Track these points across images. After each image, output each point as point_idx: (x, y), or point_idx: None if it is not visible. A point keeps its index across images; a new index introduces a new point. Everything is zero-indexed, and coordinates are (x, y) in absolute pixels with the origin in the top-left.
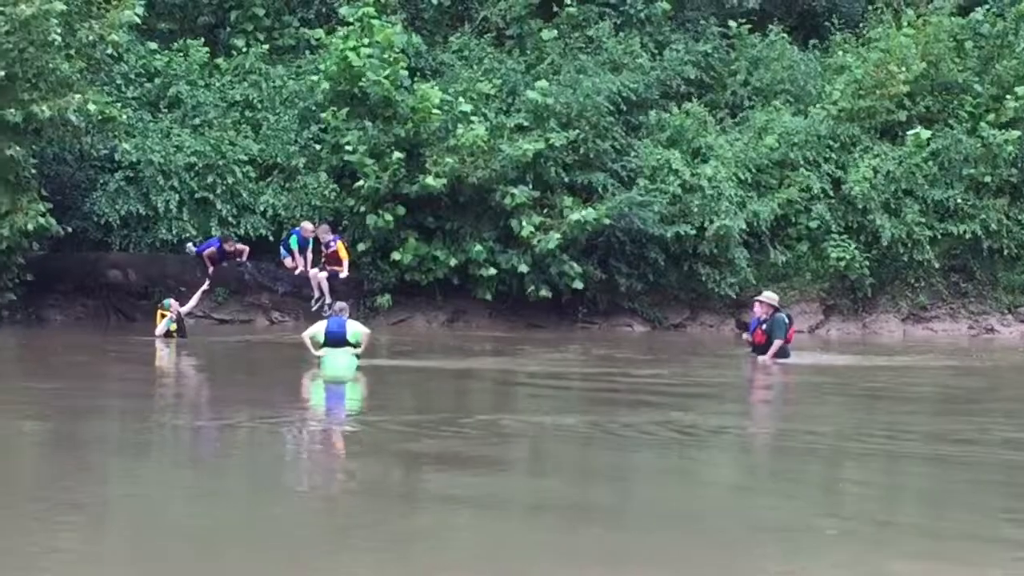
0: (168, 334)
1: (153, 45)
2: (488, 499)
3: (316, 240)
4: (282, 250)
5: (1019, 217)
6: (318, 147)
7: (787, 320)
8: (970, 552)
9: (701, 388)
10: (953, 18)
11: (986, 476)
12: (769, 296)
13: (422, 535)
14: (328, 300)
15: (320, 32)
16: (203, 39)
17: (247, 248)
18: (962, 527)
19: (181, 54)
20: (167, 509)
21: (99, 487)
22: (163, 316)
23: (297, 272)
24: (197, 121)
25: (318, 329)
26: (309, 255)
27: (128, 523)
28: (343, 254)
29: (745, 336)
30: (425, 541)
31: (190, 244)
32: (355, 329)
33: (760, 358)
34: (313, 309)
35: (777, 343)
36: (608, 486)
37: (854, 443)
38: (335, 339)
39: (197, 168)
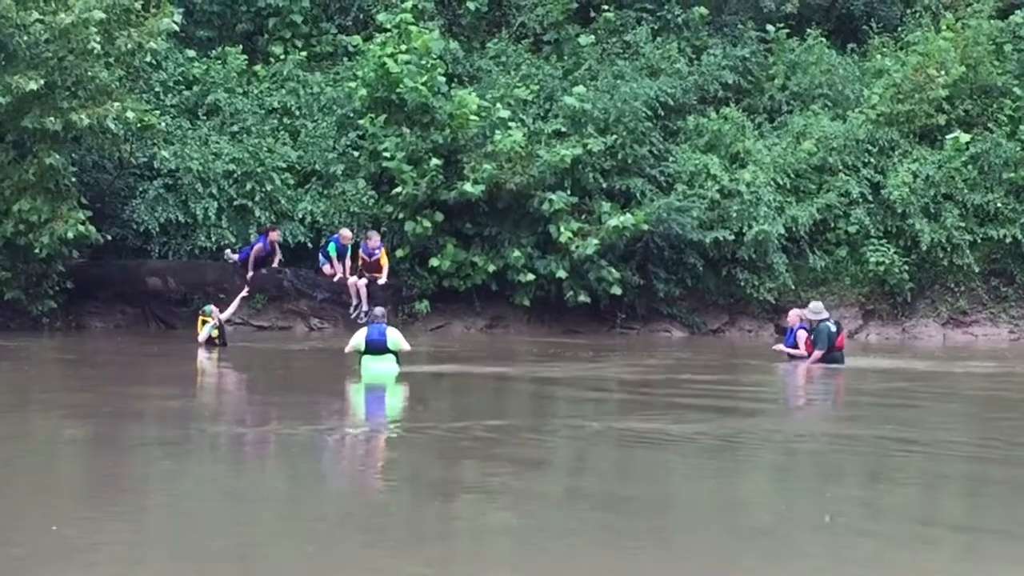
0: (210, 341)
1: (191, 53)
2: (527, 503)
3: (355, 247)
4: (320, 257)
5: None
6: (356, 154)
7: (834, 328)
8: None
9: (745, 395)
10: (992, 21)
11: None
12: (815, 307)
13: (461, 545)
14: (365, 307)
15: (358, 39)
16: (241, 46)
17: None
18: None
19: (219, 62)
20: (206, 516)
21: (140, 492)
22: (204, 322)
23: (336, 279)
24: (235, 128)
25: (359, 338)
26: (348, 262)
27: (167, 528)
28: (384, 261)
29: (776, 347)
30: (463, 550)
31: (228, 251)
32: (395, 337)
33: (803, 364)
34: (352, 316)
35: (817, 353)
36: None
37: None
38: (376, 347)
39: (235, 175)
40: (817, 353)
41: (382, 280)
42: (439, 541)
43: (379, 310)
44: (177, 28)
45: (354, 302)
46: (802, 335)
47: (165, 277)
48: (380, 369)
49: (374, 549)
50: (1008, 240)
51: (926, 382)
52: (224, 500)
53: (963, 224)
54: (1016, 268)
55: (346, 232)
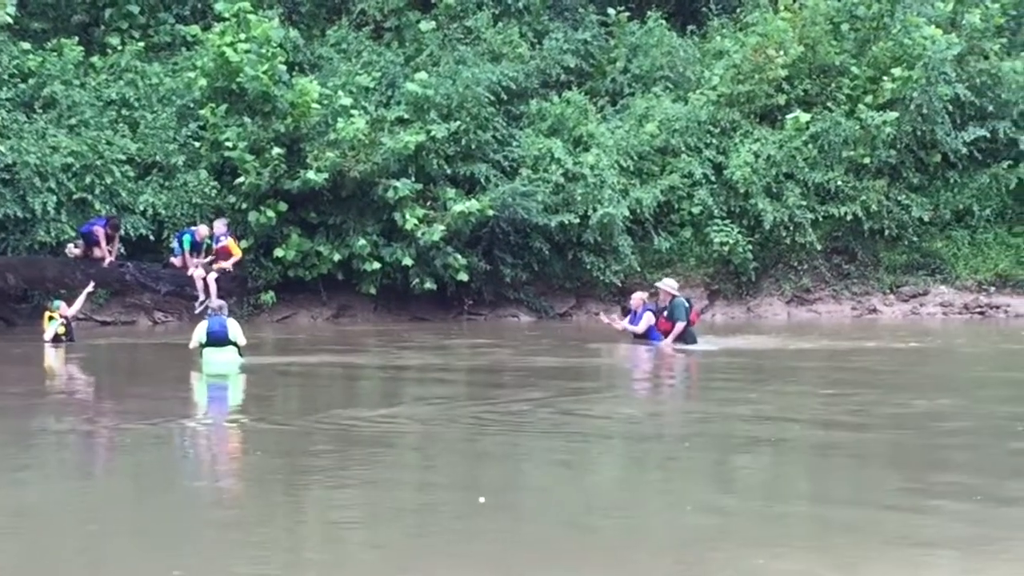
0: (56, 338)
1: (26, 45)
2: (374, 495)
3: (209, 245)
4: (175, 245)
5: (898, 198)
6: (197, 144)
7: (687, 304)
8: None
9: (595, 375)
10: (829, 1)
11: (876, 462)
12: (669, 282)
13: (311, 532)
14: (207, 300)
15: (196, 28)
16: (77, 38)
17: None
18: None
19: (55, 54)
20: (51, 517)
21: None
22: (51, 319)
23: (189, 272)
24: (73, 121)
25: (201, 331)
26: (200, 257)
27: (10, 532)
28: (235, 251)
29: (607, 319)
30: (315, 537)
31: (71, 245)
32: (235, 329)
33: (662, 343)
34: (197, 311)
35: (680, 325)
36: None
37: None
38: (217, 338)
39: (74, 169)
40: (679, 326)
41: (229, 265)
42: (290, 541)
43: (218, 302)
44: (11, 20)
45: (200, 296)
46: (648, 316)
47: (4, 273)
48: (222, 361)
49: (224, 550)
50: (849, 218)
51: (773, 360)
52: (69, 500)
53: (804, 203)
54: (857, 245)
55: (203, 228)
